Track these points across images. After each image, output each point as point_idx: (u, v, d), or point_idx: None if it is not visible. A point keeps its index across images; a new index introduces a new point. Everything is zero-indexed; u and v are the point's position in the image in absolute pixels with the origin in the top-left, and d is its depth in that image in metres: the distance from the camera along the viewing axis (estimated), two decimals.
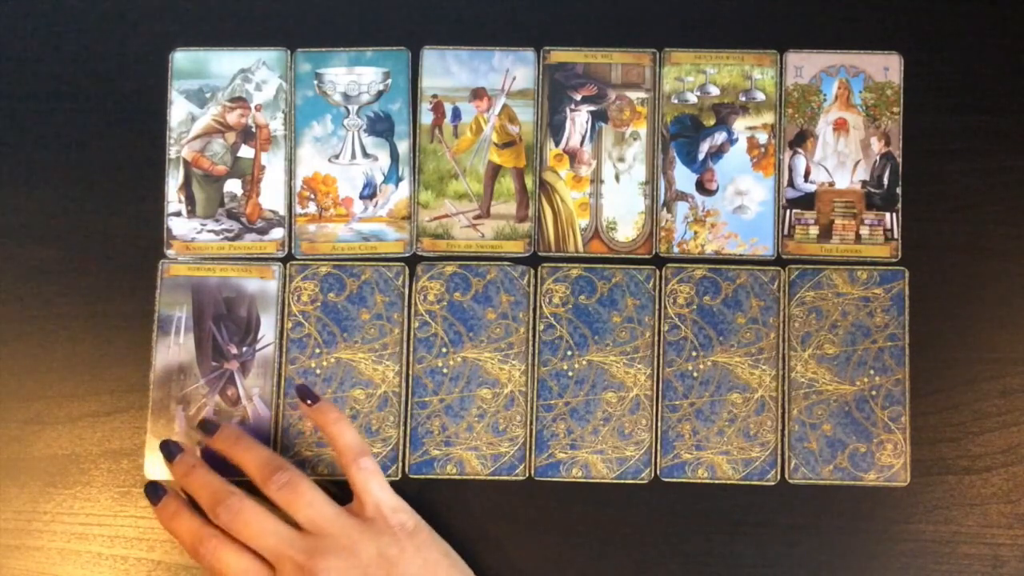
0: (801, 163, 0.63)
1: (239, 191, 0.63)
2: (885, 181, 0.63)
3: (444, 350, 0.62)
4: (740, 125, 0.63)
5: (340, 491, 0.58)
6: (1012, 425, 0.61)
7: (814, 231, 0.63)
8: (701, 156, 0.63)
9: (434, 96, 0.63)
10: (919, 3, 0.64)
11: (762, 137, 0.63)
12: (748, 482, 0.61)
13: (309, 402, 0.58)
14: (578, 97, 0.63)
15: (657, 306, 0.62)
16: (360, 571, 0.53)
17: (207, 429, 0.58)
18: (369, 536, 0.55)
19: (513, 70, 0.63)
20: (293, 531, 0.55)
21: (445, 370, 0.62)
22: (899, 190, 0.63)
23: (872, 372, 0.61)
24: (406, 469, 0.61)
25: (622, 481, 0.61)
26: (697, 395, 0.61)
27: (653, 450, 0.61)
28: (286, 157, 0.63)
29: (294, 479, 0.55)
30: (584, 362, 0.62)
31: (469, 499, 0.61)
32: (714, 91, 0.63)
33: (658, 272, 0.62)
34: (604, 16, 0.64)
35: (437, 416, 0.61)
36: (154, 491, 0.57)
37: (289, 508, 0.55)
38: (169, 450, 0.58)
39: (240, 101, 0.63)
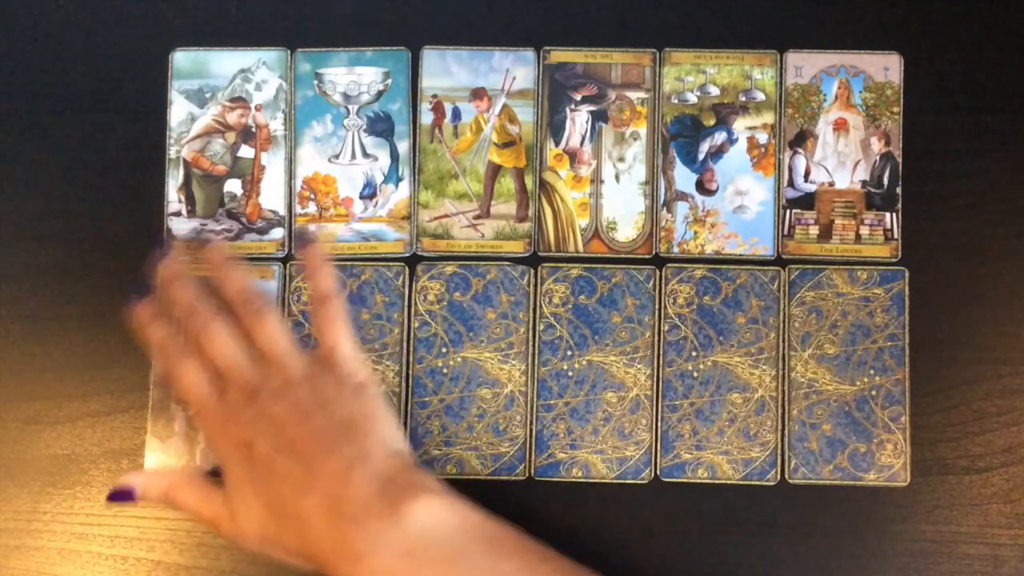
0: (801, 163, 0.63)
1: (239, 191, 0.63)
2: (885, 181, 0.63)
3: (444, 350, 0.62)
4: (740, 125, 0.63)
5: None
6: (1012, 425, 0.61)
7: (814, 231, 0.63)
8: (701, 156, 0.63)
9: (434, 96, 0.63)
10: (919, 3, 0.64)
11: (762, 137, 0.63)
12: (748, 482, 0.61)
13: (304, 243, 0.60)
14: (578, 97, 0.63)
15: (657, 306, 0.62)
16: (295, 400, 0.55)
17: (201, 242, 0.61)
18: (311, 373, 0.56)
19: (513, 70, 0.63)
20: (249, 356, 0.56)
21: (445, 370, 0.62)
22: (899, 190, 0.63)
23: (872, 372, 0.61)
24: None
25: (622, 481, 0.61)
26: (697, 395, 0.61)
27: (653, 450, 0.61)
28: (286, 157, 0.63)
29: (265, 309, 0.57)
30: (584, 362, 0.62)
31: (469, 499, 0.61)
32: (714, 91, 0.63)
33: (658, 272, 0.62)
34: (604, 16, 0.64)
35: (437, 416, 0.61)
36: (138, 289, 0.59)
37: (252, 332, 0.57)
38: (160, 253, 0.59)
39: (240, 101, 0.63)
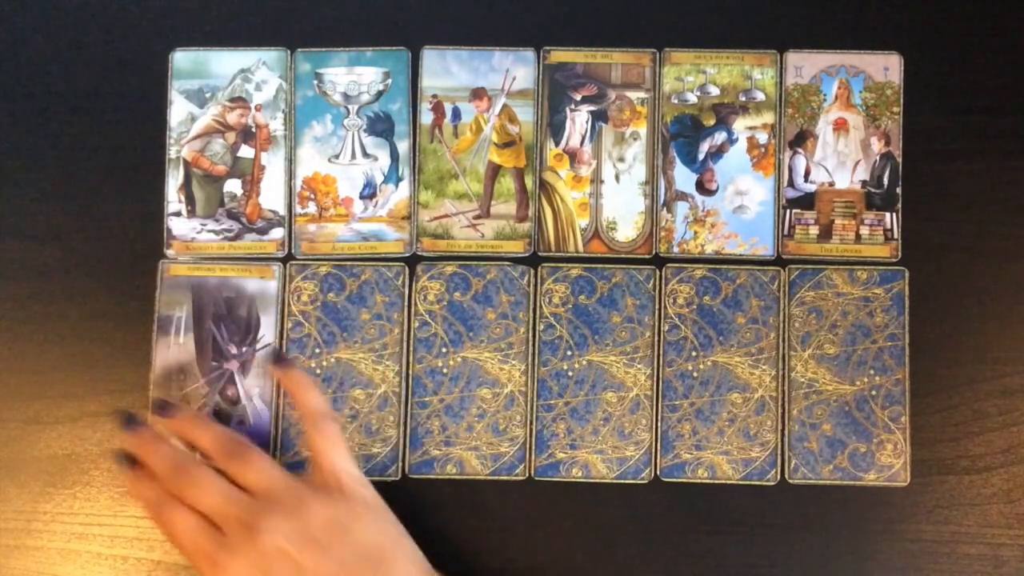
0: (801, 163, 0.63)
1: (239, 191, 0.63)
2: (885, 181, 0.63)
3: (444, 350, 0.62)
4: (740, 125, 0.63)
5: None
6: (1012, 425, 0.61)
7: (814, 231, 0.63)
8: (701, 156, 0.63)
9: (434, 96, 0.63)
10: (919, 3, 0.64)
11: (762, 137, 0.63)
12: (748, 482, 0.61)
13: (279, 365, 0.59)
14: (578, 97, 0.63)
15: (657, 306, 0.62)
16: (307, 534, 0.53)
17: (163, 410, 0.58)
18: (320, 500, 0.55)
19: (513, 70, 0.63)
20: (242, 494, 0.55)
21: (445, 370, 0.62)
22: (899, 190, 0.63)
23: (872, 372, 0.61)
24: (406, 469, 0.61)
25: (622, 481, 0.61)
26: (697, 395, 0.61)
27: (653, 450, 0.61)
28: (286, 157, 0.63)
29: (245, 450, 0.56)
30: (584, 362, 0.62)
31: (469, 499, 0.61)
32: (714, 91, 0.63)
33: (658, 272, 0.62)
34: (604, 16, 0.64)
35: (437, 416, 0.61)
36: (127, 460, 0.57)
37: (240, 476, 0.55)
38: (127, 422, 0.58)
39: (240, 101, 0.63)
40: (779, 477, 0.61)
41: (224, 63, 0.63)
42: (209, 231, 0.63)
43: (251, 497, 0.55)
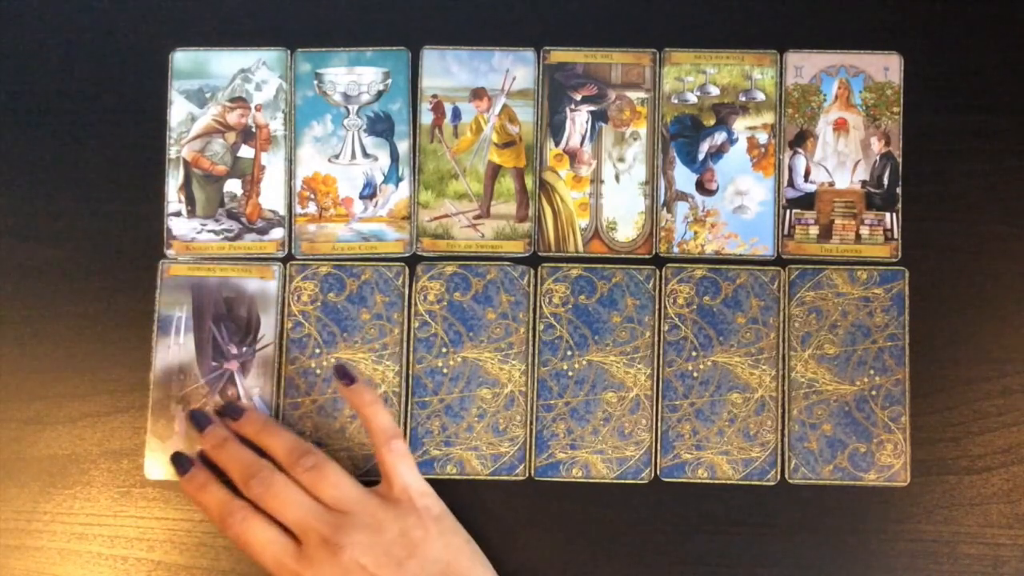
0: (801, 163, 0.63)
1: (239, 191, 0.63)
2: (885, 181, 0.63)
3: (444, 350, 0.62)
4: (740, 125, 0.63)
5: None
6: (1012, 425, 0.61)
7: (814, 231, 0.63)
8: (701, 156, 0.63)
9: (434, 96, 0.63)
10: (919, 3, 0.64)
11: (762, 137, 0.63)
12: (748, 482, 0.61)
13: (346, 382, 0.58)
14: (578, 97, 0.63)
15: (657, 306, 0.62)
16: (383, 548, 0.54)
17: (232, 413, 0.59)
18: (394, 516, 0.55)
19: (513, 70, 0.63)
20: (321, 507, 0.55)
21: (445, 370, 0.62)
22: (899, 190, 0.63)
23: (872, 372, 0.61)
24: None
25: (622, 481, 0.61)
26: (697, 395, 0.61)
27: (653, 450, 0.61)
28: (286, 157, 0.63)
29: (320, 462, 0.56)
30: (584, 362, 0.62)
31: (469, 499, 0.61)
32: (714, 91, 0.63)
33: (658, 272, 0.62)
34: (604, 16, 0.64)
35: (437, 416, 0.61)
36: (181, 462, 0.58)
37: (315, 489, 0.56)
38: (200, 421, 0.59)
39: (240, 101, 0.63)
40: (779, 477, 0.61)
41: (224, 63, 0.64)
42: (209, 231, 0.63)
43: (330, 511, 0.55)
